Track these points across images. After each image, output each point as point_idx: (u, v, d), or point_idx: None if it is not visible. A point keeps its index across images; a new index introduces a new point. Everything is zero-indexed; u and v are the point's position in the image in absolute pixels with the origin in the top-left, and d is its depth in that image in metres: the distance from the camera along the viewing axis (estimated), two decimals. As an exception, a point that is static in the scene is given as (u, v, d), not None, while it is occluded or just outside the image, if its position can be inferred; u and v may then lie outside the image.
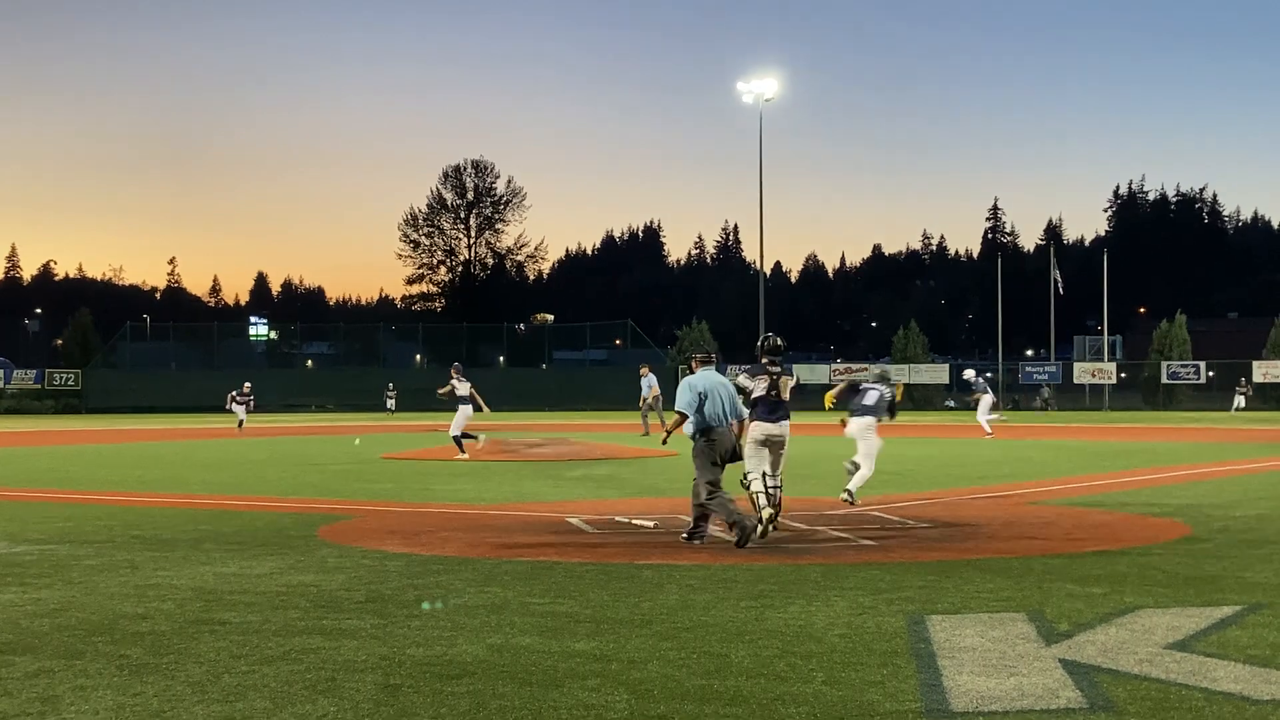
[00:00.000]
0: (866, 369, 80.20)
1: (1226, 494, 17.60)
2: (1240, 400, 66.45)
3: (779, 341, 13.60)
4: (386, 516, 15.38)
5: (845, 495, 16.25)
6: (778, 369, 13.32)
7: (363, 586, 9.80)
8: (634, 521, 13.95)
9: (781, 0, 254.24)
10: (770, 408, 13.08)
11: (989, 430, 35.67)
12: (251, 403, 45.54)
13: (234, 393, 45.00)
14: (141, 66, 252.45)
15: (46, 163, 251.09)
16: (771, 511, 12.60)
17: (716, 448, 12.62)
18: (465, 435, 26.70)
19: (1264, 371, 69.92)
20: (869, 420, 17.02)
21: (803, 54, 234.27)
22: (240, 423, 43.70)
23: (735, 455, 12.73)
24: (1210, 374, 73.09)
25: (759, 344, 13.50)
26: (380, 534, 13.40)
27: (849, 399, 17.48)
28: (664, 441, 14.73)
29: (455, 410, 26.93)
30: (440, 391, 28.38)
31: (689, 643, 7.57)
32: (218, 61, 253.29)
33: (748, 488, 12.72)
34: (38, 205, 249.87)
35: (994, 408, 34.72)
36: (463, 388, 27.22)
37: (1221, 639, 7.63)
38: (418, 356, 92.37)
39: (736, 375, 13.30)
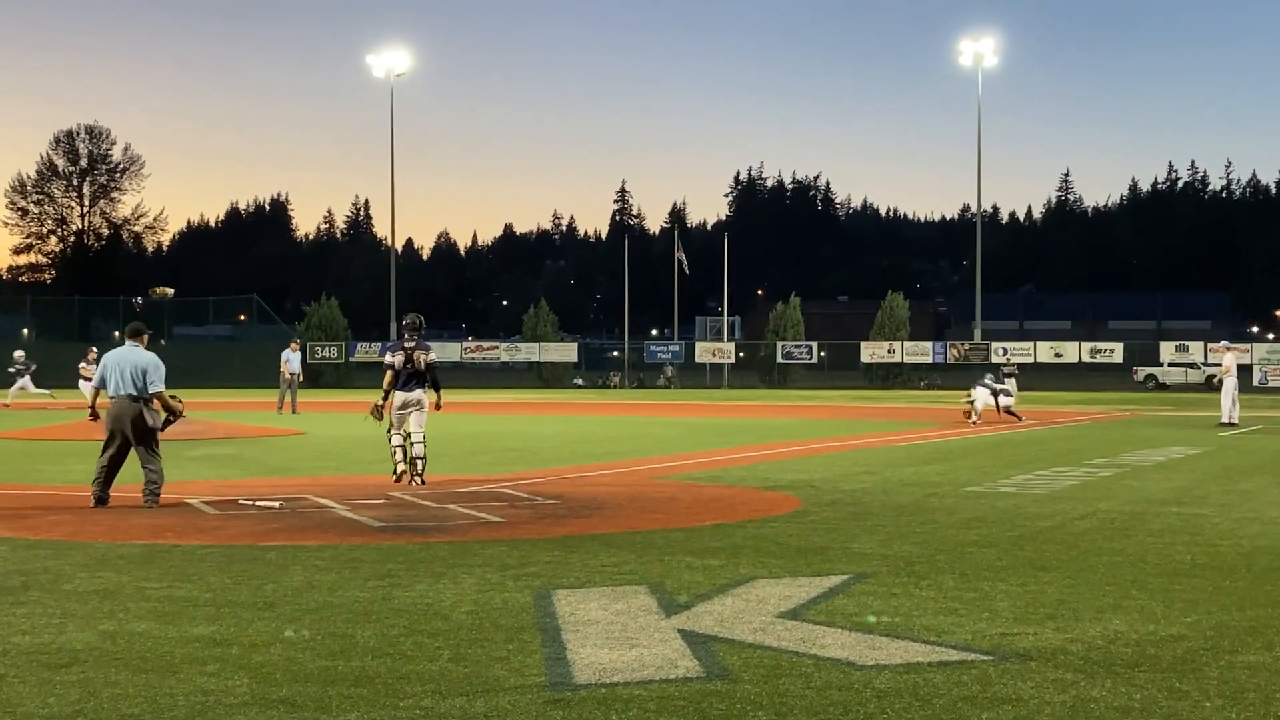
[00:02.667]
0: (497, 347, 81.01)
1: (836, 468, 18.49)
2: None
3: (418, 319, 16.16)
4: (-11, 499, 14.54)
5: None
6: (413, 344, 15.64)
7: (-38, 574, 9.24)
8: (258, 503, 13.63)
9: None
10: (406, 378, 15.59)
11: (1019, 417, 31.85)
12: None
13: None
14: None
15: None
16: (405, 467, 15.45)
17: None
18: None
19: (871, 352, 73.75)
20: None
21: (436, 29, 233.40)
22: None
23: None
24: (822, 354, 76.73)
25: (402, 323, 15.82)
26: (-18, 518, 12.65)
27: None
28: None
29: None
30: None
31: (314, 624, 7.45)
32: None
33: (390, 443, 15.54)
34: None
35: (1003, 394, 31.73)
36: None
37: (830, 607, 8.03)
38: (25, 330, 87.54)
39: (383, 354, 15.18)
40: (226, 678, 6.21)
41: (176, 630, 7.30)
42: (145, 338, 14.03)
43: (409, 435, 15.56)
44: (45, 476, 17.33)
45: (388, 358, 15.79)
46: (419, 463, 15.56)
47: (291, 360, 37.23)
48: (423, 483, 15.43)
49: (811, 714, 5.66)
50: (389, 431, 15.69)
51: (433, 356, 16.03)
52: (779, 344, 74.95)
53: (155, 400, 13.68)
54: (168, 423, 14.10)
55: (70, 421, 29.30)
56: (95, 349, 32.06)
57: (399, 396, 15.60)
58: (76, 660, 6.57)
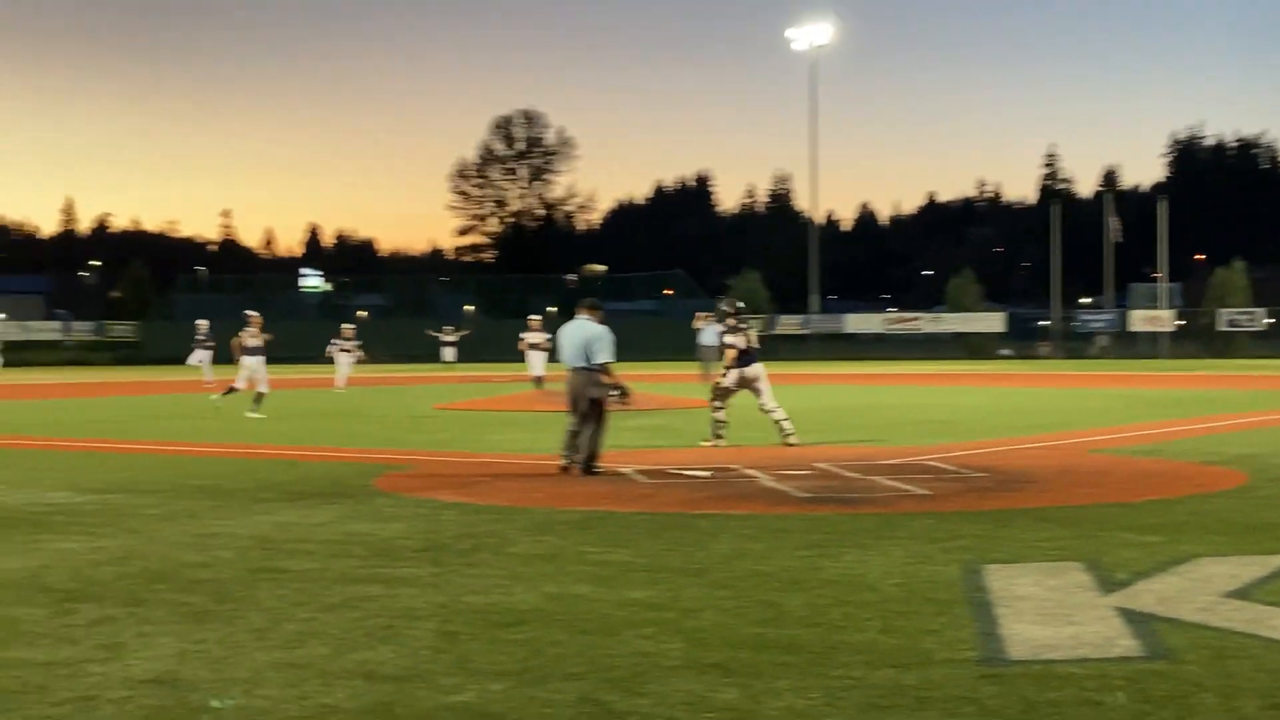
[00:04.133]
0: (919, 318, 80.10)
1: (1285, 442, 17.41)
2: None
3: (743, 305, 18.96)
4: (440, 466, 15.48)
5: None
6: (745, 325, 18.10)
7: (419, 535, 9.88)
8: (688, 472, 13.98)
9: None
10: (748, 357, 17.87)
11: None
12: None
13: (335, 339, 38.24)
14: (191, 17, 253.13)
15: (101, 117, 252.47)
16: (725, 439, 17.49)
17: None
18: None
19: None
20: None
21: None
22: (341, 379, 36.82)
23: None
24: (1269, 321, 72.27)
25: (733, 309, 18.13)
26: (435, 483, 13.48)
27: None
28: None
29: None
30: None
31: (744, 591, 7.59)
32: (268, 13, 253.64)
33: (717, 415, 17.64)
34: (93, 158, 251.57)
35: None
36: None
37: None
38: (468, 307, 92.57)
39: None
40: (662, 640, 6.40)
41: (614, 594, 7.57)
42: (598, 313, 14.58)
43: (767, 409, 17.69)
44: (490, 445, 18.28)
45: (728, 338, 17.96)
46: (787, 424, 17.45)
47: (704, 333, 37.98)
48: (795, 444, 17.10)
49: (1262, 697, 5.36)
50: (716, 404, 17.67)
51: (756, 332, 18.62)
52: (1220, 311, 71.10)
53: (603, 373, 14.22)
54: (615, 397, 14.59)
55: (512, 393, 30.86)
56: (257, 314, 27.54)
57: (745, 372, 17.77)
58: (523, 620, 6.91)
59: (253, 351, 25.62)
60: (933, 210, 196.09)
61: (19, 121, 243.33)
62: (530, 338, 34.82)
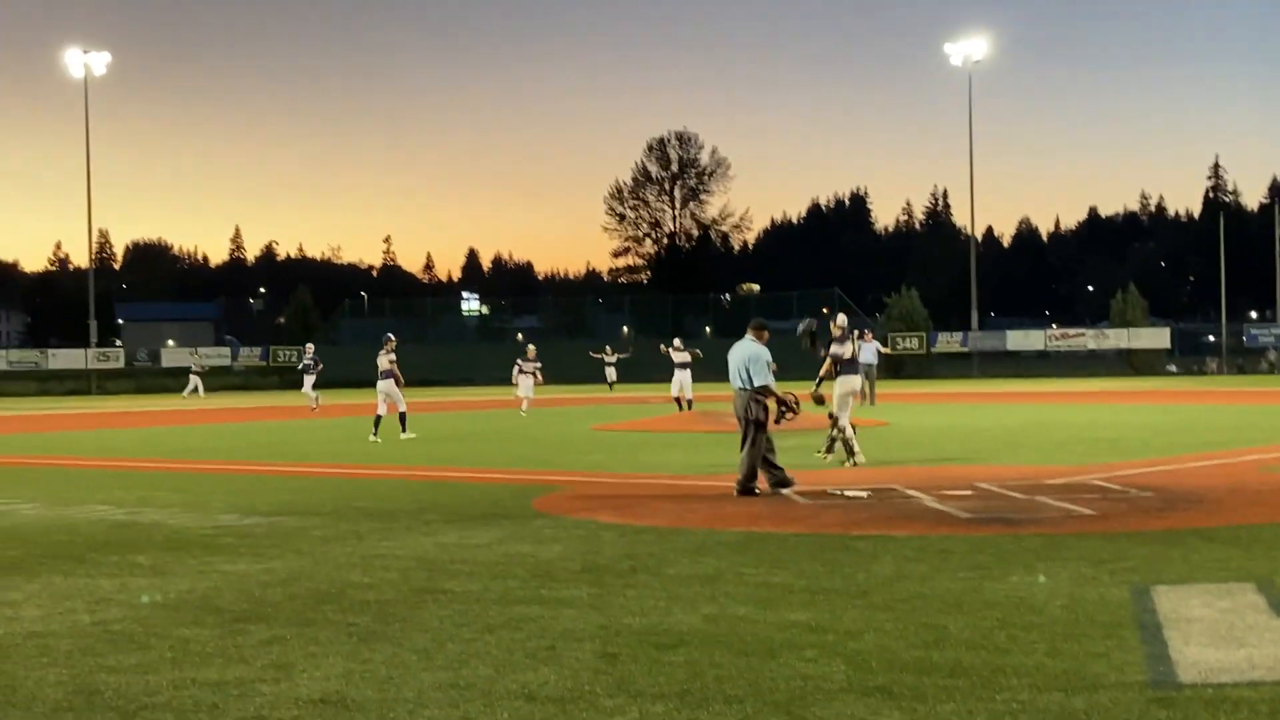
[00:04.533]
0: (1083, 334, 78.56)
1: None
2: None
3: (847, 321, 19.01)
4: (598, 487, 15.57)
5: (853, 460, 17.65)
6: (848, 338, 18.69)
7: (578, 556, 9.94)
8: (846, 493, 13.87)
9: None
10: (853, 366, 18.61)
11: None
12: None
13: (519, 360, 37.14)
14: (354, 53, 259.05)
15: (267, 148, 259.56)
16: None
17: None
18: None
19: None
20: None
21: (1011, 10, 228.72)
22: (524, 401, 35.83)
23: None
24: None
25: (841, 325, 18.47)
26: (593, 504, 13.58)
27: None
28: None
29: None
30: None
31: (906, 614, 7.50)
32: (427, 45, 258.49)
33: (844, 430, 17.75)
34: (259, 189, 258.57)
35: None
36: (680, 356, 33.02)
37: None
38: (624, 328, 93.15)
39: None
40: (824, 663, 6.35)
41: (774, 615, 7.54)
42: (762, 333, 14.64)
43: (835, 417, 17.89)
44: (648, 466, 18.34)
45: (835, 349, 18.28)
46: (844, 444, 17.74)
47: (862, 351, 37.65)
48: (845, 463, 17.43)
49: None
50: (836, 416, 17.86)
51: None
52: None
53: (762, 394, 14.19)
54: (782, 416, 14.52)
55: (669, 413, 30.94)
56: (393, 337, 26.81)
57: (853, 381, 18.44)
58: (682, 641, 6.91)
59: (384, 375, 25.68)
60: (1095, 224, 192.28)
61: (190, 156, 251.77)
62: (676, 356, 34.35)
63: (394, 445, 23.44)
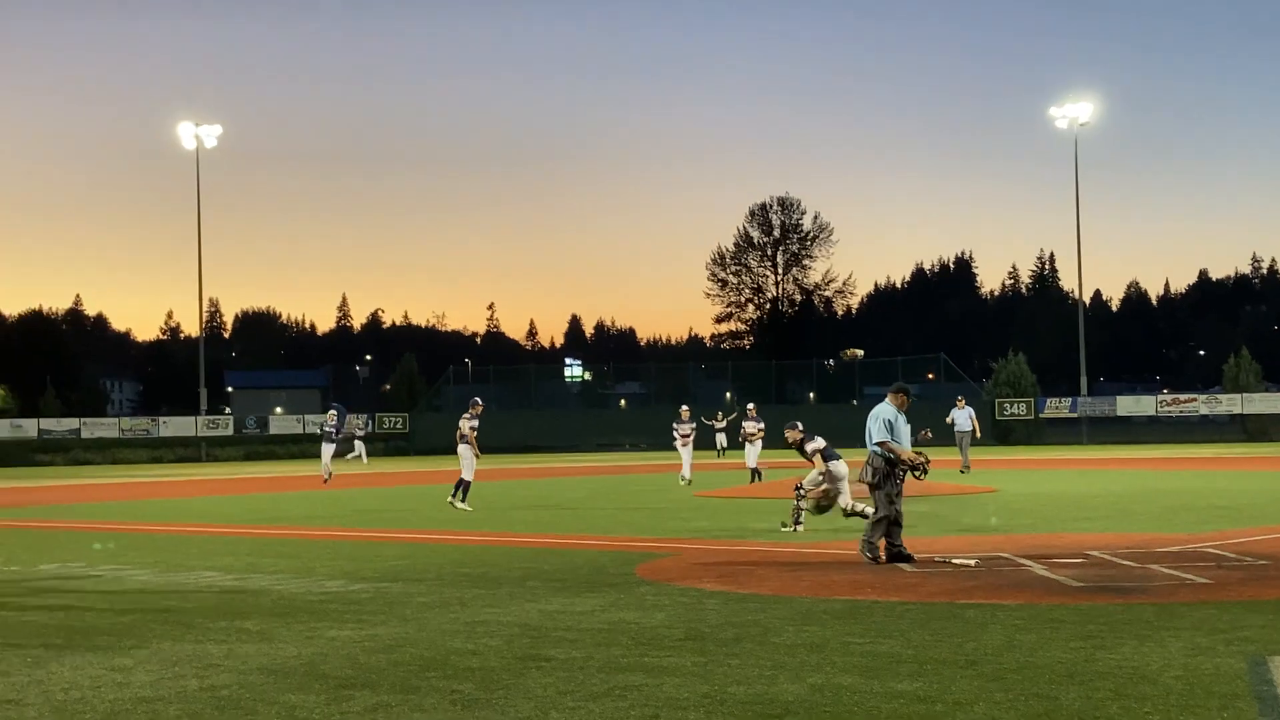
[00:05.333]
0: (1195, 399, 77.16)
1: None
2: None
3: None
4: (703, 554, 15.49)
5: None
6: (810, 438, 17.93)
7: (682, 624, 9.88)
8: (954, 560, 13.68)
9: (1093, 22, 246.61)
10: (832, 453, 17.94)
11: None
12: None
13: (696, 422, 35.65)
14: (459, 123, 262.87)
15: (373, 218, 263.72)
16: None
17: None
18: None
19: None
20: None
21: (1117, 70, 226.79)
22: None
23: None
24: None
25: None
26: (697, 572, 13.51)
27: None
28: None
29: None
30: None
31: (1016, 684, 7.36)
32: (530, 114, 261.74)
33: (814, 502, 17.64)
34: (365, 257, 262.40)
35: None
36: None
37: None
38: (728, 394, 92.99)
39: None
40: (932, 735, 6.24)
41: (881, 685, 7.43)
42: (899, 396, 14.69)
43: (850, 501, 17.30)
44: (753, 533, 18.23)
45: (809, 446, 17.74)
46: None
47: (957, 418, 37.17)
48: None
49: None
50: (807, 490, 17.70)
51: None
52: None
53: (882, 452, 14.13)
54: (912, 473, 14.44)
55: (775, 479, 30.75)
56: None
57: (841, 467, 17.76)
58: (788, 711, 6.83)
59: (463, 439, 24.90)
60: (1205, 286, 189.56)
61: (298, 228, 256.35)
62: (747, 426, 32.86)
63: (498, 511, 23.48)
